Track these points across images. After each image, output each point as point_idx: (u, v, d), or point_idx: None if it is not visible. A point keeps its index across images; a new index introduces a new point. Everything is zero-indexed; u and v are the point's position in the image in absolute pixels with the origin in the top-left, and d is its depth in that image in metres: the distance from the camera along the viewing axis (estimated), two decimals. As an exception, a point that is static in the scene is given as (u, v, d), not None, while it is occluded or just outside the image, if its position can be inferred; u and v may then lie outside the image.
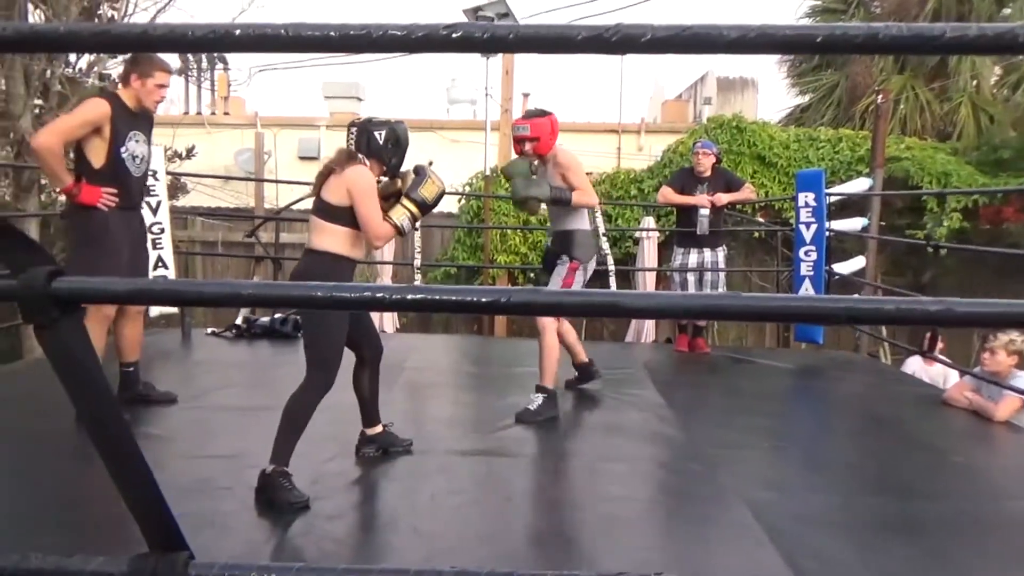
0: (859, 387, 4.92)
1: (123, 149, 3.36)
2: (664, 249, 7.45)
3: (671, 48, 0.72)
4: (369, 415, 3.17)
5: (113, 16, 7.73)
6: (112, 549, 0.93)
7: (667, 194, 5.49)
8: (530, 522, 2.74)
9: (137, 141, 3.42)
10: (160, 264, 5.24)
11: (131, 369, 3.72)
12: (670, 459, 3.37)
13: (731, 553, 2.45)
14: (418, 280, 6.46)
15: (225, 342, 5.49)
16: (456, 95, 14.14)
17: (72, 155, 3.48)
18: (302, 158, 11.86)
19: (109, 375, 3.68)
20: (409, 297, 0.69)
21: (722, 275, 5.52)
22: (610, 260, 6.26)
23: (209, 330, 5.78)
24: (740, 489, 2.91)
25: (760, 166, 8.42)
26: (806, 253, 5.45)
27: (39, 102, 7.34)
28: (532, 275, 7.97)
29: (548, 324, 3.78)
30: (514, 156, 3.93)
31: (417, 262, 6.12)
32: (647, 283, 7.55)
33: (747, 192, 5.51)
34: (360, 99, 14.77)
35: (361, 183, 2.81)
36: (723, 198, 5.33)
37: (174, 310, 5.67)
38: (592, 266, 3.94)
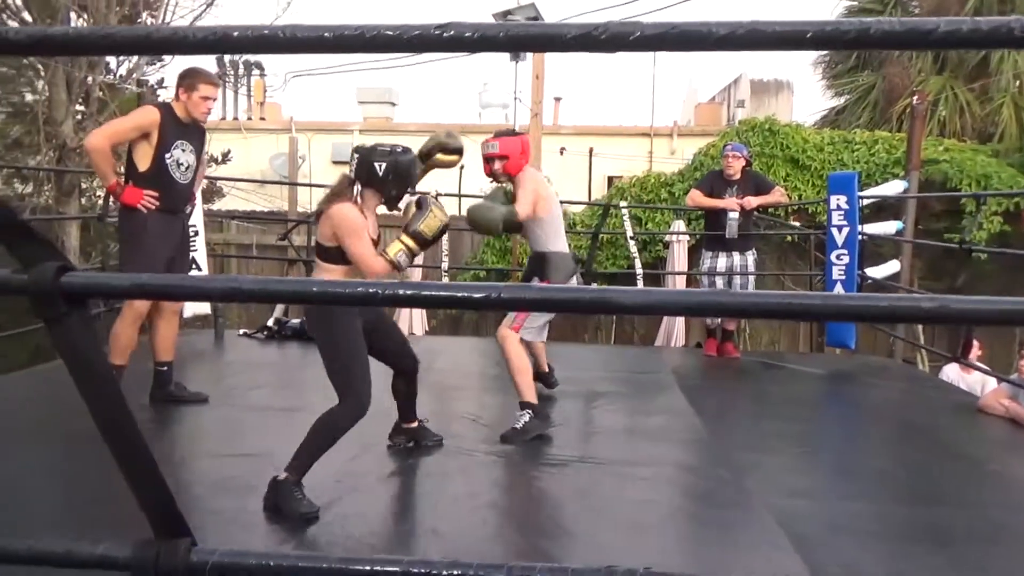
0: (892, 393, 4.82)
1: (168, 156, 3.52)
2: (694, 253, 7.39)
3: (660, 46, 0.72)
4: (405, 412, 3.22)
5: (152, 23, 7.91)
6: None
7: (695, 197, 5.45)
8: (551, 524, 2.73)
9: (184, 150, 3.59)
10: (194, 266, 5.35)
11: (164, 368, 3.81)
12: (695, 464, 3.34)
13: (753, 559, 2.42)
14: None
15: (256, 343, 5.57)
16: (488, 99, 14.21)
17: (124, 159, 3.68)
18: (336, 162, 12.01)
19: (142, 373, 3.76)
20: (400, 292, 0.70)
21: (752, 279, 5.46)
22: (638, 264, 6.24)
23: (241, 331, 5.88)
24: (766, 495, 2.87)
25: (793, 169, 8.31)
26: (838, 257, 5.36)
27: (80, 108, 7.54)
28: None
29: (508, 335, 3.60)
30: (489, 182, 3.92)
31: (444, 265, 6.15)
32: (677, 287, 7.50)
33: (777, 195, 5.44)
34: (393, 104, 14.92)
35: (344, 222, 2.76)
36: (753, 201, 5.27)
37: (208, 311, 5.77)
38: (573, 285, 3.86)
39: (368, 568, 0.79)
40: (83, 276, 0.75)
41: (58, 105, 7.12)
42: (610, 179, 11.69)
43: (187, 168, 3.61)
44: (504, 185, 3.82)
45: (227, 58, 13.83)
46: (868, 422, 4.27)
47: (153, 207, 3.51)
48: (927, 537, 2.59)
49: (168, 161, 3.52)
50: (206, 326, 6.06)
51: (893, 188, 6.22)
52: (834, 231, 5.40)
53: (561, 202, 8.72)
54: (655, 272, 7.81)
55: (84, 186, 7.47)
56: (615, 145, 12.21)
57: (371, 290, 0.70)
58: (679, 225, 7.77)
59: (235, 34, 0.76)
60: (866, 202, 6.30)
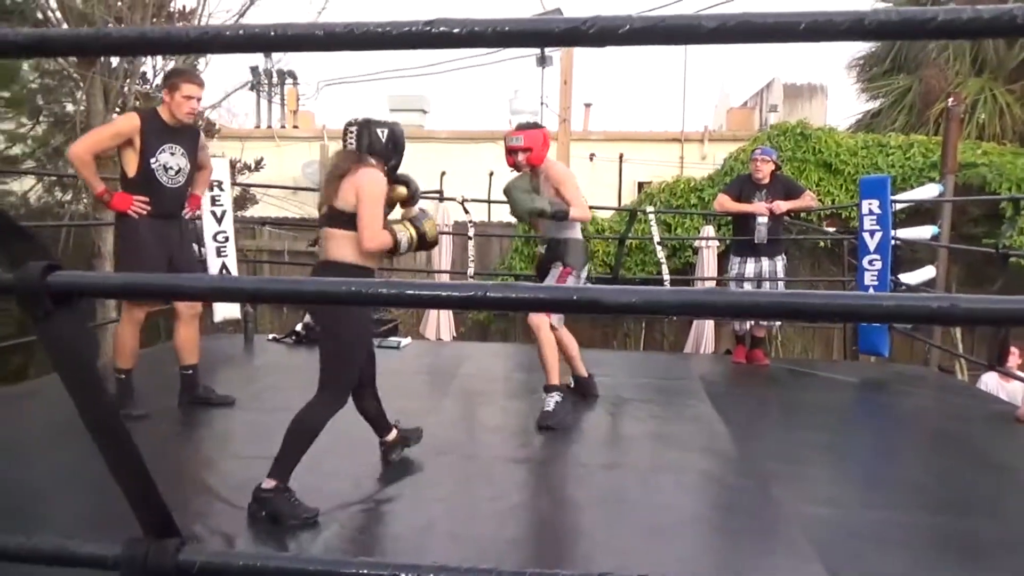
0: (926, 402, 4.70)
1: (153, 160, 3.52)
2: (724, 258, 7.31)
3: (649, 40, 0.71)
4: (379, 427, 3.10)
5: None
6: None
7: (723, 202, 5.39)
8: (572, 529, 2.71)
9: (172, 154, 3.58)
10: (224, 271, 5.43)
11: (190, 372, 3.86)
12: (720, 471, 3.29)
13: (776, 568, 2.38)
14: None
15: (285, 348, 5.63)
16: (518, 106, 14.24)
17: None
18: (366, 169, 12.09)
19: (171, 376, 3.80)
20: (383, 292, 0.70)
21: (781, 285, 5.37)
22: (665, 270, 6.18)
23: (271, 336, 5.95)
24: (792, 504, 2.82)
25: (826, 173, 8.19)
26: (870, 262, 5.26)
27: (116, 117, 7.70)
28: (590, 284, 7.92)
29: (540, 322, 3.76)
30: (512, 172, 3.98)
31: (470, 271, 6.15)
32: (706, 293, 7.41)
33: (808, 200, 5.36)
34: (425, 111, 15.04)
35: (372, 186, 2.73)
36: (782, 206, 5.20)
37: (238, 316, 5.84)
38: (585, 275, 3.96)
39: (354, 571, 0.78)
40: (69, 275, 0.76)
41: (96, 114, 7.28)
42: (640, 185, 11.63)
43: (176, 172, 3.60)
44: (528, 175, 3.91)
45: (261, 68, 14.07)
46: (899, 431, 4.17)
47: (144, 212, 3.53)
48: (956, 547, 2.51)
49: (154, 166, 3.52)
50: (237, 331, 6.13)
51: (928, 192, 6.08)
52: (866, 236, 5.29)
53: (590, 207, 8.70)
54: (684, 278, 7.74)
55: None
56: (645, 151, 12.15)
57: (354, 288, 0.70)
58: (708, 230, 7.69)
59: (227, 33, 0.76)
60: (900, 206, 6.18)
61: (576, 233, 3.95)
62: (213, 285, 0.82)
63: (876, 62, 11.51)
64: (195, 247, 5.80)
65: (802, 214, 7.00)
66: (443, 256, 7.03)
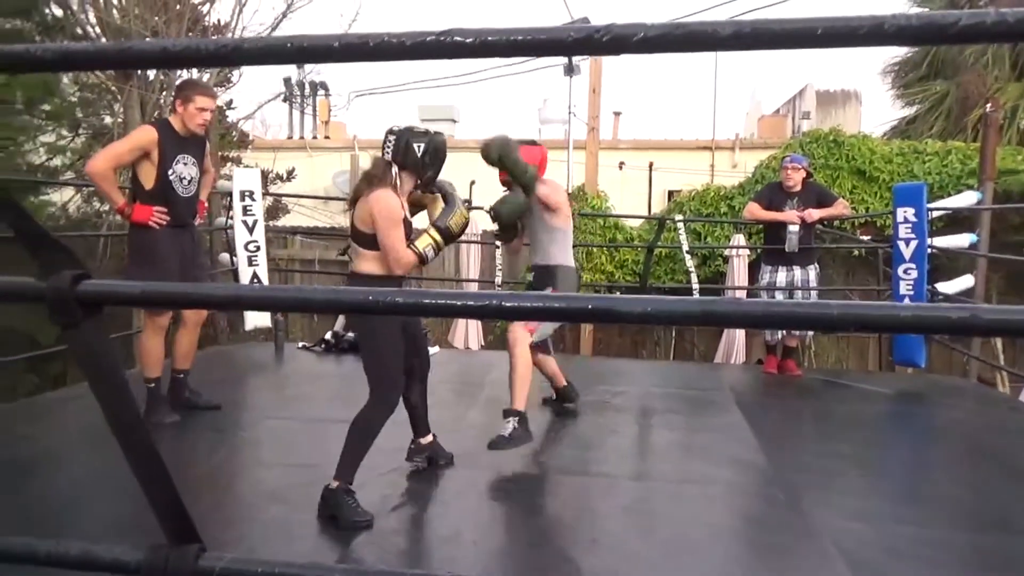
0: (964, 414, 4.59)
1: (171, 172, 3.59)
2: (755, 267, 7.22)
3: (665, 47, 0.70)
4: (418, 426, 3.15)
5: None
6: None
7: (753, 210, 5.32)
8: (598, 541, 2.68)
9: (185, 164, 3.65)
10: (255, 280, 5.50)
11: (181, 376, 3.92)
12: (750, 484, 3.24)
13: (806, 584, 2.33)
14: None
15: (314, 356, 5.68)
16: (547, 115, 14.27)
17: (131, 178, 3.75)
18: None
19: (203, 383, 3.84)
20: (399, 300, 0.70)
21: (814, 294, 5.29)
22: (694, 279, 6.12)
23: (300, 344, 6.00)
24: (824, 518, 2.77)
25: (860, 181, 8.06)
26: (905, 271, 5.16)
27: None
28: (618, 293, 7.88)
29: (520, 337, 3.47)
30: (503, 191, 3.72)
31: (498, 279, 6.16)
32: (737, 302, 7.33)
33: (840, 208, 5.27)
34: (455, 121, 15.13)
35: (384, 211, 2.74)
36: (814, 214, 5.12)
37: (269, 324, 5.91)
38: None
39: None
40: (98, 284, 0.77)
41: (132, 126, 7.44)
42: (670, 193, 11.56)
43: (190, 181, 3.68)
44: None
45: (294, 79, 14.28)
46: (935, 444, 4.07)
47: (164, 223, 3.59)
48: (992, 565, 2.44)
49: (171, 177, 3.59)
50: (268, 339, 6.21)
51: (966, 200, 5.94)
52: (901, 244, 5.19)
53: (619, 216, 8.65)
54: (714, 287, 7.66)
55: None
56: (675, 159, 12.08)
57: (370, 298, 0.70)
58: (739, 239, 7.61)
59: (246, 46, 0.77)
60: (938, 214, 6.06)
61: (568, 259, 3.73)
62: (223, 294, 0.83)
63: (912, 67, 11.32)
64: (227, 256, 5.90)
65: (835, 222, 6.89)
66: (471, 265, 7.05)
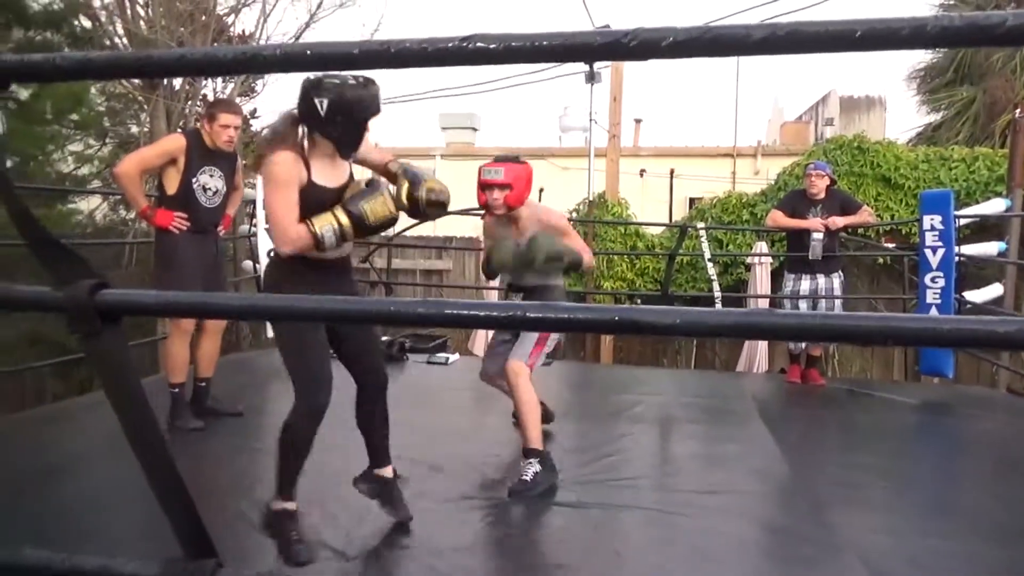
0: (992, 425, 4.49)
1: (195, 180, 3.67)
2: (778, 276, 7.14)
3: (695, 52, 0.68)
4: (373, 453, 2.64)
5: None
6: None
7: (776, 217, 5.27)
8: (618, 552, 2.65)
9: (211, 175, 3.73)
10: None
11: (203, 384, 3.95)
12: (772, 495, 3.19)
13: (833, 600, 2.28)
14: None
15: (335, 362, 5.67)
16: (568, 123, 14.25)
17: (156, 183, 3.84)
18: (417, 186, 12.22)
19: (227, 388, 3.84)
20: (422, 312, 0.68)
21: (839, 303, 5.22)
22: (716, 287, 6.06)
23: (321, 351, 6.00)
24: (848, 531, 2.71)
25: (884, 188, 7.95)
26: (932, 280, 5.07)
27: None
28: (639, 301, 7.83)
29: (522, 370, 3.16)
30: (487, 217, 3.39)
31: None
32: (760, 311, 7.25)
33: (865, 215, 5.20)
34: (475, 129, 15.14)
35: (269, 173, 2.24)
36: (838, 221, 5.06)
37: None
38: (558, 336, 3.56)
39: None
40: (117, 293, 0.77)
41: (158, 135, 7.53)
42: (692, 200, 11.49)
43: (214, 193, 3.74)
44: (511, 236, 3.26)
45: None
46: (964, 456, 3.99)
47: (185, 228, 3.66)
48: (1029, 584, 2.38)
49: (195, 185, 3.66)
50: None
51: (994, 207, 5.85)
52: (927, 252, 5.11)
53: (639, 223, 8.61)
54: (736, 295, 7.59)
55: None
56: (697, 166, 12.01)
57: (392, 309, 0.68)
58: (762, 247, 7.54)
59: (264, 54, 0.76)
60: (965, 222, 5.96)
61: (557, 280, 3.47)
62: (238, 304, 0.82)
63: (938, 73, 11.18)
64: (250, 263, 5.93)
65: (860, 230, 6.80)
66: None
